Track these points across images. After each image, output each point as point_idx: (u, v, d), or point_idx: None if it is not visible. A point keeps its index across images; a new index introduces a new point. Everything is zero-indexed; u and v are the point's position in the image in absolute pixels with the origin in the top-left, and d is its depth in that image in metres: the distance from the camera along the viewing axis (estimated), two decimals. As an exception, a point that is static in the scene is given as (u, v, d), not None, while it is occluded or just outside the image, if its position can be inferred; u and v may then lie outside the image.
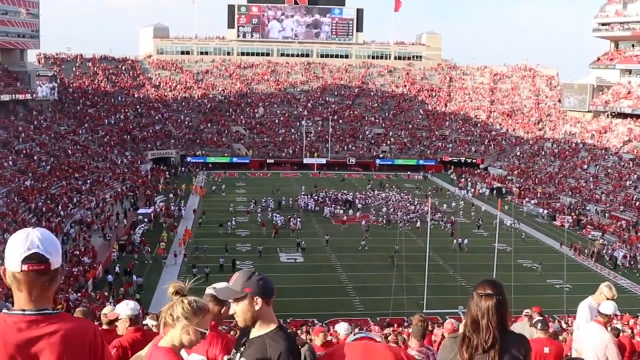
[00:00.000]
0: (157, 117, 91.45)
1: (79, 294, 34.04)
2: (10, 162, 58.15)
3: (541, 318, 8.43)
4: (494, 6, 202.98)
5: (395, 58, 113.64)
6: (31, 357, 2.77)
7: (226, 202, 63.72)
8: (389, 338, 13.74)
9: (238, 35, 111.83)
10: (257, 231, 53.07)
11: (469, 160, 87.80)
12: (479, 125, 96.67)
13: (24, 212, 48.27)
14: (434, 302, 35.86)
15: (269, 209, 60.12)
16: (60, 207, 52.28)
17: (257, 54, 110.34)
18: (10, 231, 37.12)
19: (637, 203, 60.10)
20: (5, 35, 78.00)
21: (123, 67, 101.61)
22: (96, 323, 6.69)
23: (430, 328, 11.73)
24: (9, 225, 42.55)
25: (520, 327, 9.38)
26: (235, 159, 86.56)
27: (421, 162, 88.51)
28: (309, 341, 7.07)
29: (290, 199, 64.11)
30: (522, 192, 70.75)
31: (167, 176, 75.78)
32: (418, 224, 55.16)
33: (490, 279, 3.61)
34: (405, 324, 27.59)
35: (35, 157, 62.62)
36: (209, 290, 4.44)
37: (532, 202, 66.22)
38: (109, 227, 50.91)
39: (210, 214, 57.54)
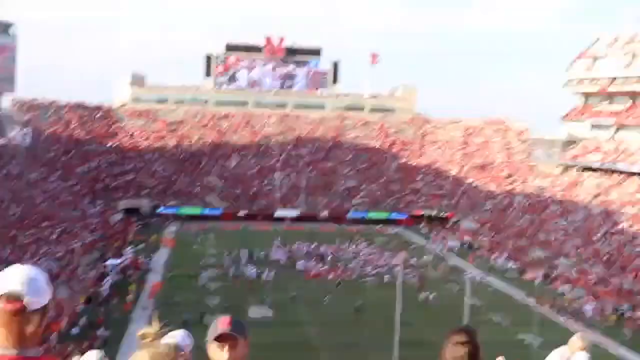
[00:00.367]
0: (130, 167, 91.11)
1: (42, 348, 33.28)
2: (-21, 211, 57.43)
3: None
4: (468, 61, 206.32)
5: (370, 110, 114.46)
6: None
7: (197, 254, 63.26)
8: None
9: (214, 85, 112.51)
10: (228, 284, 52.64)
11: (440, 214, 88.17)
12: (450, 178, 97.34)
13: (-10, 262, 47.46)
14: (405, 357, 35.59)
15: (241, 261, 59.72)
16: (27, 256, 51.51)
17: (233, 104, 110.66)
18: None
19: (606, 257, 60.50)
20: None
21: (97, 115, 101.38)
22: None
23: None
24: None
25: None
26: (207, 210, 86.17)
27: (393, 215, 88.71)
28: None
29: (262, 252, 63.76)
30: (493, 246, 71.01)
31: (138, 227, 75.19)
32: (388, 277, 54.97)
33: (464, 326, 3.62)
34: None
35: (3, 205, 61.88)
36: (168, 340, 4.32)
37: (503, 256, 66.43)
38: (76, 278, 50.22)
39: (181, 266, 57.03)
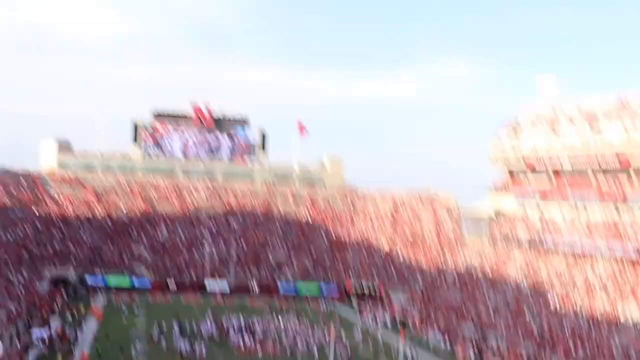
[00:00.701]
0: (56, 235, 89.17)
1: None
2: None
3: None
4: (397, 133, 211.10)
5: (299, 182, 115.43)
6: None
7: (126, 326, 61.97)
8: None
9: (142, 153, 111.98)
10: (159, 357, 51.64)
11: (370, 288, 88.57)
12: (380, 252, 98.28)
13: None
14: None
15: (172, 334, 58.72)
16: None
17: (162, 173, 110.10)
18: None
19: (536, 333, 61.72)
20: None
21: (22, 181, 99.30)
22: None
23: None
24: None
25: None
26: (136, 281, 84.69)
27: (323, 288, 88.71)
28: None
29: (193, 324, 62.88)
30: (423, 321, 71.58)
31: (65, 297, 73.37)
32: (318, 352, 54.76)
33: None
34: None
35: None
36: None
37: (433, 331, 66.99)
38: (1, 350, 48.54)
39: (110, 339, 55.70)
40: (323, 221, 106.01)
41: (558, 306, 68.93)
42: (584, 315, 64.67)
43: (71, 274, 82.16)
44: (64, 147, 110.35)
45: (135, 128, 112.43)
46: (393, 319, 73.75)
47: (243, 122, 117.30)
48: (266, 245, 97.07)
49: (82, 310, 67.15)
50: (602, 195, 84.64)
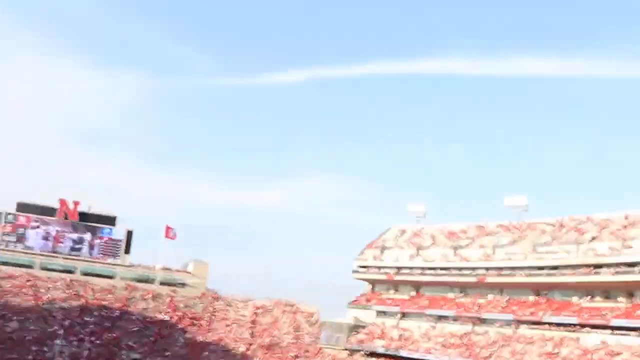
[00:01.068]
0: None
1: None
2: None
3: None
4: (266, 241, 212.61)
5: (160, 283, 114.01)
6: None
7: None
8: None
9: (1, 243, 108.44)
10: None
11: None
12: (238, 356, 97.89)
13: None
14: None
15: None
16: None
17: (18, 265, 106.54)
18: None
19: None
20: None
21: None
22: None
23: None
24: None
25: None
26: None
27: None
28: None
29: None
30: None
31: None
32: None
33: None
34: None
35: None
36: None
37: None
38: None
39: None
40: (182, 322, 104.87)
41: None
42: None
43: None
44: None
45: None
46: None
47: (110, 220, 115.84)
48: (121, 343, 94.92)
49: None
50: (458, 309, 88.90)
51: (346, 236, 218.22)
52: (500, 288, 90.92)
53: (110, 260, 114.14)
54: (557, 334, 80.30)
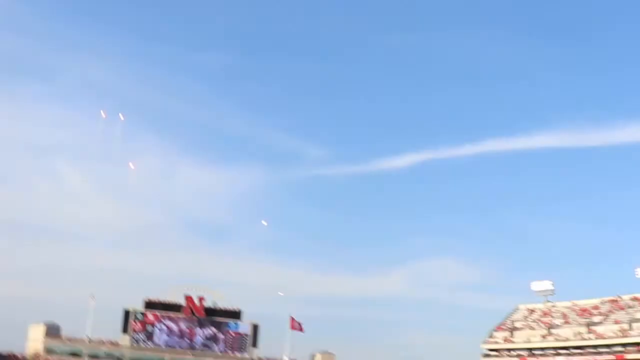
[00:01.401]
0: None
1: None
2: None
3: None
4: (389, 328, 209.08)
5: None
6: None
7: None
8: None
9: (131, 341, 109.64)
10: None
11: None
12: None
13: None
14: None
15: None
16: None
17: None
18: None
19: None
20: None
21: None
22: None
23: None
24: None
25: None
26: None
27: None
28: None
29: None
30: None
31: None
32: None
33: None
34: None
35: None
36: None
37: None
38: None
39: None
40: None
41: None
42: None
43: None
44: (52, 331, 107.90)
45: (127, 315, 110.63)
46: None
47: (235, 315, 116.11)
48: None
49: None
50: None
51: (469, 318, 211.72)
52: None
53: (238, 354, 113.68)
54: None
